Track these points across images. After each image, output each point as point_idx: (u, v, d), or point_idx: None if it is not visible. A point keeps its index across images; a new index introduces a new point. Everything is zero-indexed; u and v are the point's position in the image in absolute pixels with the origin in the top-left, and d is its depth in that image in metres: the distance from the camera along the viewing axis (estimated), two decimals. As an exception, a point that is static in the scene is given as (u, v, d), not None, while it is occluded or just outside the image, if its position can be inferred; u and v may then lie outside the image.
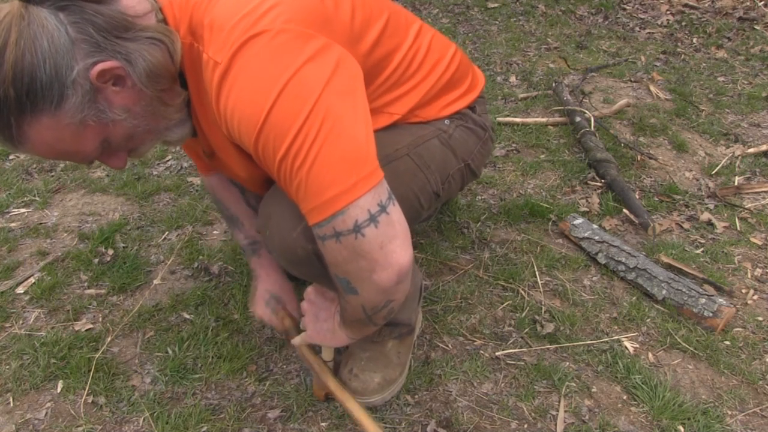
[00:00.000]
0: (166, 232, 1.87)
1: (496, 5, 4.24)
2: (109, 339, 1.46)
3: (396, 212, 0.90)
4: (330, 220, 0.87)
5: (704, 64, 3.30)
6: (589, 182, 2.12)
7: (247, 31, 0.83)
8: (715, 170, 2.22)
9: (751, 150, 2.36)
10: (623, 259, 1.65)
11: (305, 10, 0.88)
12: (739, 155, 2.32)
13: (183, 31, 0.91)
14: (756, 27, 3.78)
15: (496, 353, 1.43)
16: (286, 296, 1.36)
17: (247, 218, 1.38)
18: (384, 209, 0.88)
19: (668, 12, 4.07)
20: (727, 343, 1.47)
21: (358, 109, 0.88)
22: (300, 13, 0.87)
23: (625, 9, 4.18)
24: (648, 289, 1.59)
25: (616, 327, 1.52)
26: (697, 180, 2.18)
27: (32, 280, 1.66)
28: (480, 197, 2.04)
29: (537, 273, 1.69)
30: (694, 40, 3.69)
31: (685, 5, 4.12)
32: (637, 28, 3.88)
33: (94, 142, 0.89)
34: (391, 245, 0.89)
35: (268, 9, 0.85)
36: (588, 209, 1.98)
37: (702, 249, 1.80)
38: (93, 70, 0.82)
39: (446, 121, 1.21)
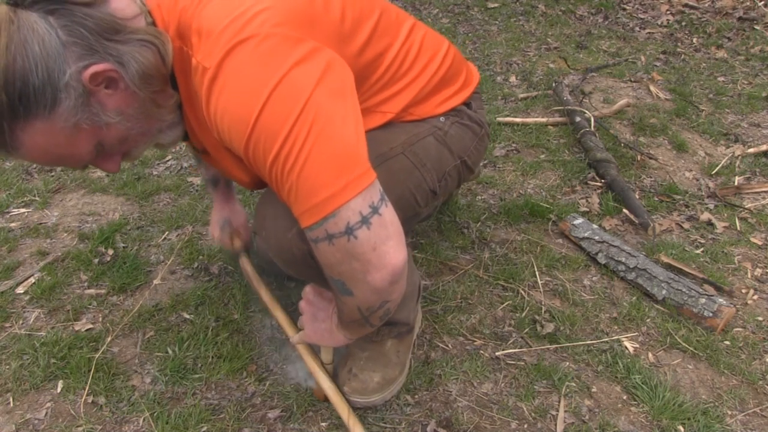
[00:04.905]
0: (166, 232, 1.87)
1: (496, 5, 4.25)
2: (109, 339, 1.46)
3: (389, 213, 0.90)
4: (322, 223, 0.87)
5: (704, 64, 3.30)
6: (589, 182, 2.12)
7: (234, 36, 0.83)
8: (715, 170, 2.22)
9: (751, 150, 2.36)
10: (623, 259, 1.65)
11: (293, 13, 0.88)
12: (739, 155, 2.32)
13: (171, 34, 0.91)
14: (756, 27, 3.78)
15: (496, 353, 1.43)
16: (235, 219, 1.56)
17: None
18: (376, 211, 0.88)
19: (668, 12, 4.07)
20: (727, 343, 1.47)
21: (348, 110, 0.87)
22: (287, 17, 0.86)
23: (625, 9, 4.18)
24: (648, 289, 1.59)
25: (616, 327, 1.52)
26: (697, 180, 2.18)
27: (32, 280, 1.66)
28: (480, 197, 2.04)
29: (537, 273, 1.69)
30: (694, 40, 3.69)
31: (685, 5, 4.12)
32: (637, 28, 3.88)
33: (89, 145, 0.89)
34: (384, 246, 0.89)
35: (256, 13, 0.85)
36: (588, 209, 1.98)
37: (702, 249, 1.80)
38: (85, 73, 0.82)
39: (441, 118, 1.20)
